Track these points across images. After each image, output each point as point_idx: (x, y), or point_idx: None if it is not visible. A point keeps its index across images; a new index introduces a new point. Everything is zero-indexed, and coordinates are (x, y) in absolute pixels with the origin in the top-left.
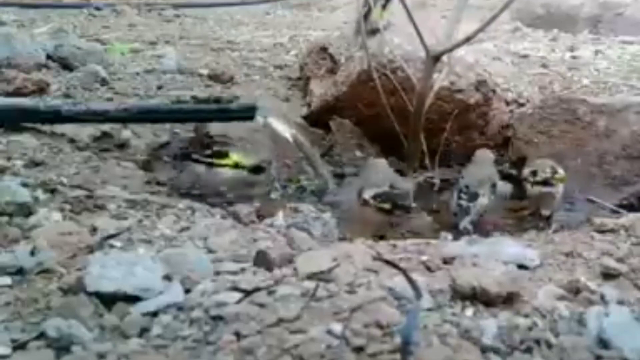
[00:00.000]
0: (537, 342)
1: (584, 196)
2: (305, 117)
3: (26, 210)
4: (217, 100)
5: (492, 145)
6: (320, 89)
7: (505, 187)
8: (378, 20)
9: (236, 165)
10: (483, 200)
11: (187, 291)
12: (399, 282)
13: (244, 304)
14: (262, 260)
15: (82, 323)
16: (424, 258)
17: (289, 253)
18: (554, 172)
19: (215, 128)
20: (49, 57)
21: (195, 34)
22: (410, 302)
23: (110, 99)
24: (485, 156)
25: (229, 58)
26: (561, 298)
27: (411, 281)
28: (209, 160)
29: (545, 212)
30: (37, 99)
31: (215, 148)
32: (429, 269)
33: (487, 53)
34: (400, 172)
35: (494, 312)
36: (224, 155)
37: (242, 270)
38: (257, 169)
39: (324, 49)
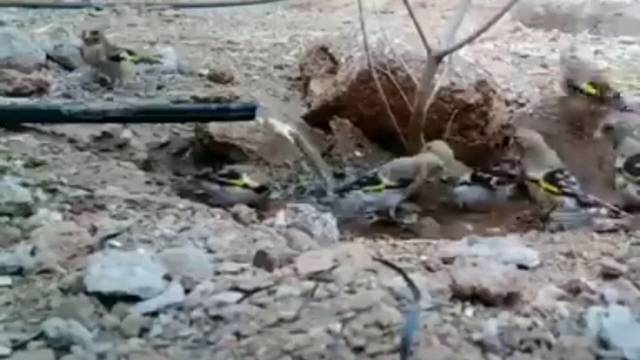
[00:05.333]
0: (537, 342)
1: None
2: (305, 117)
3: (26, 210)
4: (217, 101)
5: (492, 145)
6: (320, 89)
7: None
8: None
9: (245, 186)
10: None
11: (187, 291)
12: (398, 282)
13: (244, 304)
14: (262, 260)
15: (82, 323)
16: (424, 258)
17: (289, 253)
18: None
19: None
20: (49, 57)
21: (195, 34)
22: (410, 302)
23: (110, 99)
24: None
25: (229, 58)
26: (561, 298)
27: (410, 282)
28: (223, 180)
29: (544, 212)
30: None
31: (229, 167)
32: (429, 269)
33: (487, 53)
34: None
35: (494, 312)
36: (237, 175)
37: (242, 270)
38: (261, 189)
39: (324, 49)
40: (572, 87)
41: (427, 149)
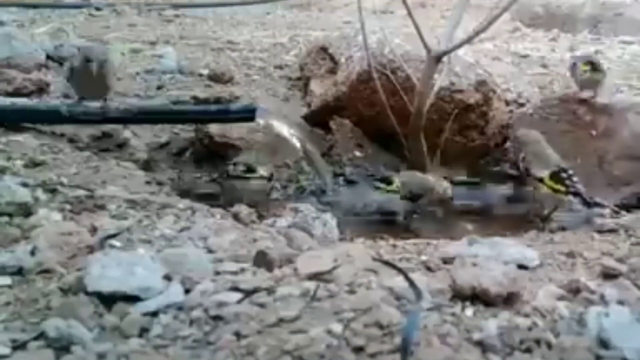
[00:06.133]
0: (537, 342)
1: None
2: (305, 117)
3: (26, 210)
4: (218, 101)
5: (492, 145)
6: (320, 89)
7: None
8: None
9: (261, 177)
10: None
11: (187, 291)
12: (399, 282)
13: (244, 304)
14: (262, 260)
15: (82, 323)
16: (424, 258)
17: (289, 253)
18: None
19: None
20: (49, 57)
21: (195, 34)
22: (410, 302)
23: (110, 99)
24: None
25: (229, 58)
26: (561, 298)
27: (411, 282)
28: (245, 175)
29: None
30: None
31: (241, 158)
32: (429, 269)
33: (487, 53)
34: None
35: (494, 312)
36: (254, 169)
37: (242, 270)
38: (271, 177)
39: (324, 49)
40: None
41: None
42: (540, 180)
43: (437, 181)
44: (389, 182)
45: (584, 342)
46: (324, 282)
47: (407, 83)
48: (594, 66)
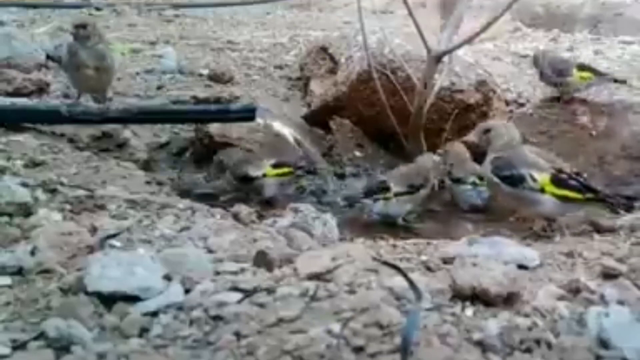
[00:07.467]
0: (537, 342)
1: None
2: (305, 117)
3: (26, 210)
4: (218, 101)
5: None
6: (320, 89)
7: None
8: None
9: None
10: None
11: (187, 291)
12: (399, 282)
13: (244, 304)
14: (262, 260)
15: (82, 323)
16: (424, 258)
17: (289, 253)
18: None
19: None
20: (49, 57)
21: (195, 34)
22: (410, 302)
23: (109, 99)
24: None
25: (229, 58)
26: (561, 298)
27: (410, 282)
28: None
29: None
30: None
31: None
32: (429, 269)
33: (487, 53)
34: None
35: (494, 312)
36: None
37: (242, 270)
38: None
39: (324, 49)
40: (562, 75)
41: (445, 152)
42: (542, 190)
43: (433, 165)
44: (385, 188)
45: (584, 342)
46: (324, 282)
47: (407, 83)
48: (588, 69)
